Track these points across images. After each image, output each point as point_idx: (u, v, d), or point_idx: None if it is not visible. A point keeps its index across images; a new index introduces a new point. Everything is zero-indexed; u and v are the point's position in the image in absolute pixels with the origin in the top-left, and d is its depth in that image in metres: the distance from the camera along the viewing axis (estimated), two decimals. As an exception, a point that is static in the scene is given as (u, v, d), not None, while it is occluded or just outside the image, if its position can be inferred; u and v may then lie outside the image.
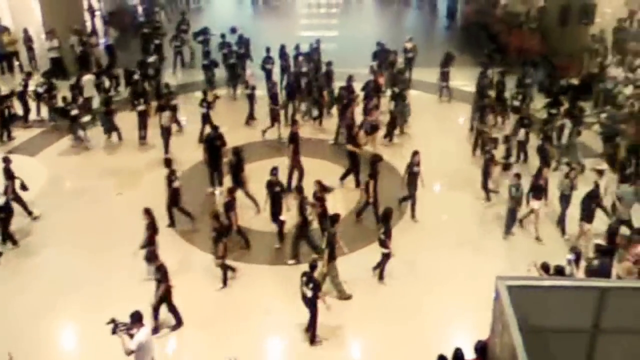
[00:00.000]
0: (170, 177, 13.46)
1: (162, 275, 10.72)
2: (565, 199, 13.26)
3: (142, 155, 17.05)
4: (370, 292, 12.00)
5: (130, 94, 18.96)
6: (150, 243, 11.85)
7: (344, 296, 11.71)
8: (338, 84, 18.55)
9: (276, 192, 12.99)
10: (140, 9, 27.98)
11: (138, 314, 9.15)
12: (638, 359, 7.17)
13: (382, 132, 17.21)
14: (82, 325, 11.20)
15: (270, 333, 11.24)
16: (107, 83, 19.94)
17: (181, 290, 11.29)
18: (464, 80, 20.93)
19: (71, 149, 17.46)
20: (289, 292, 11.61)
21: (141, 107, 17.51)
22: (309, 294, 10.56)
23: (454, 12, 28.63)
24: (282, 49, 20.62)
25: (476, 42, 24.46)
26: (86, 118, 17.98)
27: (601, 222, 12.88)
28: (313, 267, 10.65)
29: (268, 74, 20.11)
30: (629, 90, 17.67)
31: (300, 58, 19.97)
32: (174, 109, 17.56)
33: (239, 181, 14.08)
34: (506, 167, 15.59)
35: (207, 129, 16.44)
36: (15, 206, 13.74)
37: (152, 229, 11.99)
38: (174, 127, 17.53)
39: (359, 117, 17.02)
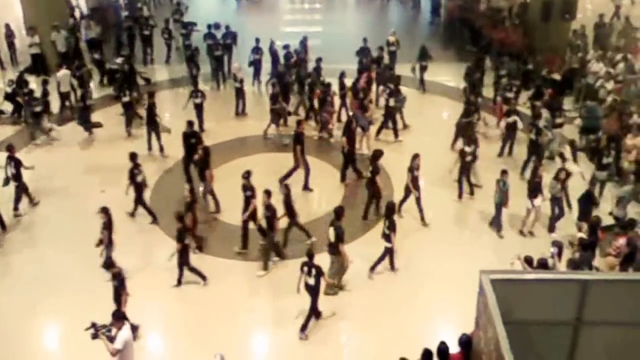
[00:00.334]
0: (133, 171, 13.46)
1: (119, 282, 10.35)
2: (556, 202, 13.29)
3: (125, 152, 16.81)
4: (355, 288, 12.03)
5: (115, 88, 18.84)
6: (108, 244, 11.71)
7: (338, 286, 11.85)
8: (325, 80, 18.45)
9: (247, 196, 12.87)
10: (123, 4, 27.78)
11: (119, 312, 9.20)
12: (620, 351, 7.25)
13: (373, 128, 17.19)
14: (65, 325, 11.13)
15: (254, 330, 11.26)
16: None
17: (164, 287, 11.26)
18: (448, 75, 21.00)
19: (52, 146, 17.28)
20: (273, 290, 11.64)
21: (126, 99, 17.58)
22: (312, 281, 10.67)
23: (438, 7, 28.68)
24: (272, 45, 20.59)
25: (460, 38, 24.59)
26: (46, 123, 17.68)
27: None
28: (310, 255, 10.75)
29: (256, 66, 20.27)
30: (610, 85, 17.84)
31: (293, 55, 19.92)
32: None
33: (203, 179, 14.05)
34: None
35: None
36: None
37: (108, 229, 11.81)
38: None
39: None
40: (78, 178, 15.67)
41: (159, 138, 16.52)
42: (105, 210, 11.88)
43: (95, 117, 18.57)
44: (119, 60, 20.40)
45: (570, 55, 20.79)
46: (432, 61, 20.53)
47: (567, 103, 18.50)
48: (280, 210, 12.60)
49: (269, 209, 12.28)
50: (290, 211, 12.78)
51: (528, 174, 15.08)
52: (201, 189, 14.23)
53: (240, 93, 18.84)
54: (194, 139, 14.73)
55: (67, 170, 15.99)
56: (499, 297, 6.52)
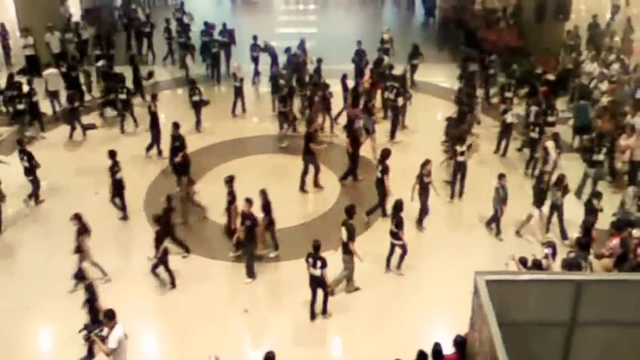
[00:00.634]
0: (113, 169, 13.53)
1: (91, 294, 10.13)
2: (556, 209, 13.26)
3: (119, 152, 16.76)
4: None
5: (104, 88, 18.90)
6: (80, 251, 11.54)
7: (352, 288, 11.89)
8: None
9: (228, 202, 12.81)
10: (118, 5, 27.81)
11: (111, 311, 9.16)
12: (614, 351, 7.28)
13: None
14: (58, 328, 11.07)
15: (249, 331, 11.25)
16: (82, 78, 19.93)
17: (156, 289, 11.23)
18: (442, 76, 21.03)
19: (45, 146, 17.16)
20: (267, 290, 11.62)
21: (123, 96, 17.74)
22: (318, 273, 10.73)
23: (432, 9, 28.72)
24: (271, 47, 20.69)
25: (454, 39, 24.63)
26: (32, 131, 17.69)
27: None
28: (317, 247, 10.79)
29: (256, 63, 20.62)
30: (604, 86, 17.89)
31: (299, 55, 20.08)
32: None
33: (180, 184, 14.12)
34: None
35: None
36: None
37: (83, 235, 11.65)
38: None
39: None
40: (71, 179, 15.59)
41: (159, 142, 16.46)
42: (78, 217, 11.71)
43: (91, 118, 18.59)
44: (100, 63, 20.31)
45: (564, 56, 20.84)
46: (422, 60, 20.59)
47: (562, 104, 18.55)
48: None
49: (249, 218, 11.93)
50: (268, 217, 12.50)
51: (530, 171, 15.44)
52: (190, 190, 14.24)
53: (239, 92, 18.85)
54: (178, 142, 14.68)
55: (61, 171, 15.87)
56: (493, 297, 6.54)
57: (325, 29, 26.58)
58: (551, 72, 19.56)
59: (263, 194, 12.47)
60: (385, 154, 13.79)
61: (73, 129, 17.60)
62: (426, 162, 13.40)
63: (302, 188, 15.10)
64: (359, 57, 20.36)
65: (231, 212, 12.76)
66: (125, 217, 14.01)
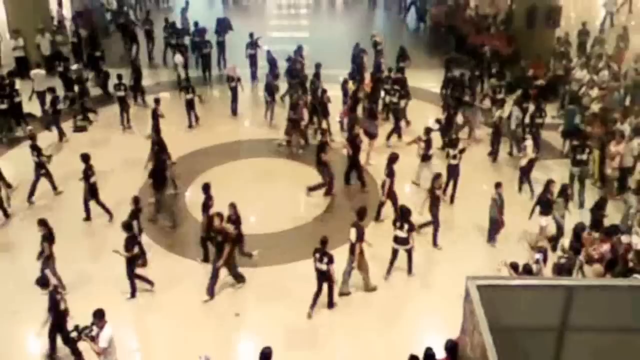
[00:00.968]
0: (87, 172, 13.61)
1: (52, 303, 10.05)
2: (559, 227, 13.17)
3: (114, 154, 16.83)
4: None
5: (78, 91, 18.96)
6: (45, 259, 11.40)
7: (370, 288, 11.99)
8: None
9: (202, 211, 12.74)
10: (111, 6, 27.73)
11: (101, 311, 9.19)
12: (604, 356, 7.31)
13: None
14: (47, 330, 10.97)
15: (241, 334, 11.22)
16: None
17: (145, 294, 11.19)
18: (433, 82, 21.10)
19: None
20: (259, 294, 11.59)
21: (120, 94, 17.98)
22: (324, 268, 10.84)
23: (423, 14, 28.80)
24: (268, 52, 20.75)
25: (445, 44, 24.72)
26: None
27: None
28: (324, 242, 10.87)
29: (253, 62, 20.83)
30: (594, 92, 18.00)
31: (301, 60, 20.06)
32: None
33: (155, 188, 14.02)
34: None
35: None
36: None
37: (48, 241, 11.52)
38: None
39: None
40: (62, 181, 15.42)
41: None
42: (43, 223, 11.61)
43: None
44: (74, 67, 20.26)
45: (555, 63, 20.97)
46: (409, 65, 20.68)
47: (552, 110, 18.64)
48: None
49: (220, 233, 11.68)
50: (237, 230, 12.26)
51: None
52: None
53: (235, 93, 18.84)
54: (157, 146, 14.70)
55: (53, 172, 15.73)
56: (484, 302, 6.55)
57: (317, 34, 26.57)
58: (542, 78, 19.67)
59: (233, 207, 12.32)
60: (393, 158, 13.85)
61: (50, 128, 17.59)
62: (438, 176, 13.26)
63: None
64: (359, 60, 20.38)
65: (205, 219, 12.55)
66: (88, 218, 14.02)
